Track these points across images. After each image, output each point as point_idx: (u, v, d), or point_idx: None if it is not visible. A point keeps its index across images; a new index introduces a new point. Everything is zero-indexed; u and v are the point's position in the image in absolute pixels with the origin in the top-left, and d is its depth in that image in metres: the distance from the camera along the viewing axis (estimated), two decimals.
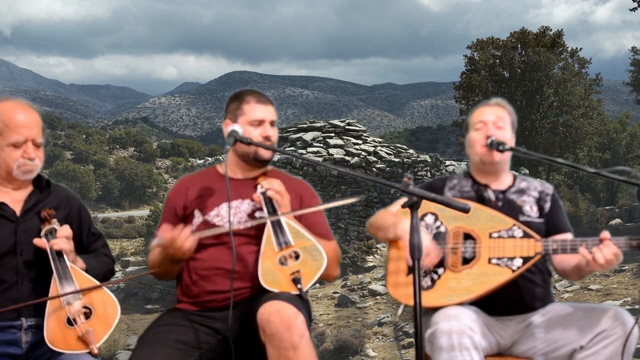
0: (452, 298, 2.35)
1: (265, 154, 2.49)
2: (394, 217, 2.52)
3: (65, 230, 2.36)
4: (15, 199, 2.41)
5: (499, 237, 2.42)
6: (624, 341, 2.24)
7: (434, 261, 2.41)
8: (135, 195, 60.31)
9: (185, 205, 2.53)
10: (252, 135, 2.47)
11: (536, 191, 2.61)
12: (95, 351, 2.18)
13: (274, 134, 2.53)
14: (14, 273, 2.33)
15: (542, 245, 2.38)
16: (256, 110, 2.51)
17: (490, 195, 2.58)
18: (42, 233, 2.34)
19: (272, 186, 2.43)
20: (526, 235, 2.41)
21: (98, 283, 2.34)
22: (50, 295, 2.26)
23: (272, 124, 2.53)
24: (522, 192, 2.61)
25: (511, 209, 2.53)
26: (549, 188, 2.64)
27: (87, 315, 2.24)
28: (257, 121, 2.50)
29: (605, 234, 2.30)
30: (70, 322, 2.22)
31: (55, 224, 2.37)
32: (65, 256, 2.31)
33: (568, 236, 2.52)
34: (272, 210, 2.38)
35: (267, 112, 2.52)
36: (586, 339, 2.30)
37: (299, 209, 2.54)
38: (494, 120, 2.56)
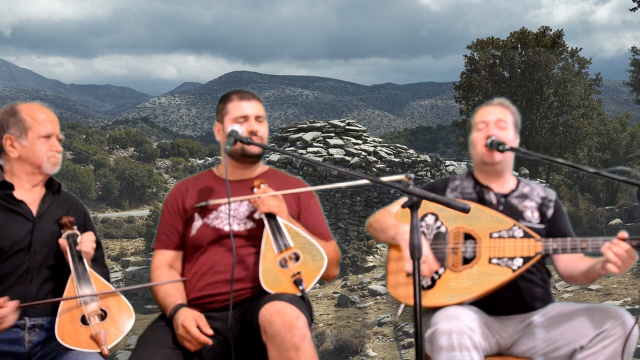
0: (452, 298, 2.35)
1: (252, 149, 2.49)
2: (394, 220, 2.51)
3: (90, 236, 2.45)
4: (32, 199, 2.48)
5: (499, 237, 2.42)
6: (624, 341, 2.24)
7: (431, 269, 2.40)
8: (135, 195, 60.30)
9: (185, 209, 2.53)
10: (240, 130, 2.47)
11: (538, 197, 2.61)
12: (106, 352, 2.21)
13: (259, 128, 2.52)
14: (24, 271, 2.38)
15: (543, 245, 2.38)
16: (239, 107, 2.52)
17: (492, 198, 2.58)
18: (64, 236, 2.41)
19: (265, 202, 2.39)
20: (526, 236, 2.41)
21: (113, 288, 2.40)
22: (66, 294, 2.31)
23: (257, 118, 2.52)
24: (524, 197, 2.60)
25: (512, 214, 2.52)
26: (552, 194, 2.63)
27: (102, 317, 2.29)
28: (241, 117, 2.50)
29: (623, 233, 2.27)
30: (84, 320, 2.26)
31: (75, 230, 2.45)
32: (84, 260, 2.38)
33: None
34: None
35: (250, 107, 2.52)
36: (586, 339, 2.29)
37: (299, 210, 2.54)
38: (496, 121, 2.56)
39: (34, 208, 2.47)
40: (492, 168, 2.57)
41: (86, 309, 2.28)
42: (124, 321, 2.30)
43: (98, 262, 2.59)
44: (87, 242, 2.42)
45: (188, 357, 2.24)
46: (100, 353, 2.22)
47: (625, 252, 2.23)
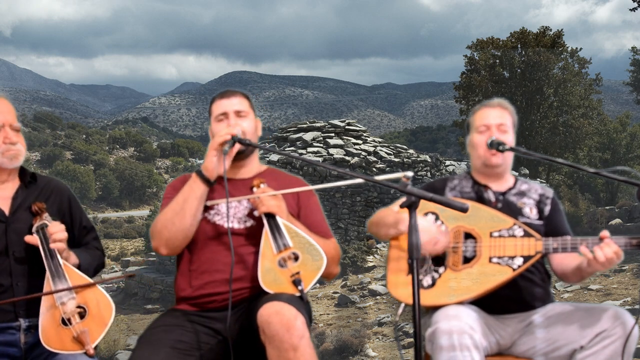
0: (452, 297, 2.36)
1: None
2: (395, 214, 2.52)
3: (58, 227, 2.31)
4: (3, 197, 2.36)
5: (500, 236, 2.42)
6: (624, 341, 2.24)
7: (443, 246, 2.41)
8: (135, 195, 60.23)
9: None
10: (218, 130, 2.46)
11: (536, 194, 2.62)
12: (91, 352, 2.15)
13: (240, 123, 2.47)
14: (7, 275, 2.30)
15: (543, 244, 2.38)
16: (219, 105, 2.53)
17: (490, 196, 2.59)
18: (34, 229, 2.30)
19: (264, 202, 2.38)
20: (527, 235, 2.41)
21: (91, 280, 2.31)
22: (44, 291, 2.23)
23: (238, 113, 2.50)
24: (522, 194, 2.61)
25: (510, 211, 2.53)
26: (550, 192, 2.65)
27: (82, 315, 2.22)
28: (220, 115, 2.51)
29: (605, 232, 2.30)
30: (64, 322, 2.19)
31: (46, 218, 2.33)
32: (57, 253, 2.28)
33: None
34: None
35: (229, 104, 2.51)
36: (586, 339, 2.29)
37: (299, 209, 2.54)
38: (498, 125, 2.56)
39: (5, 207, 2.34)
40: (493, 170, 2.58)
41: (64, 309, 2.20)
42: (104, 314, 2.23)
43: (90, 245, 2.50)
44: (56, 235, 2.28)
45: (188, 356, 2.23)
46: (86, 353, 2.16)
47: (614, 253, 2.26)
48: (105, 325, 2.22)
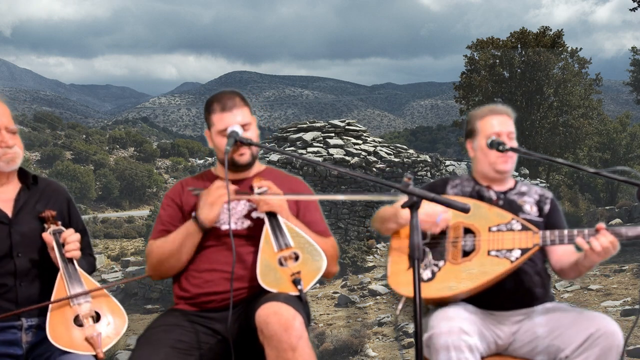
0: (452, 290, 2.38)
1: (240, 159, 2.46)
2: (395, 208, 2.53)
3: (73, 233, 2.35)
4: (5, 199, 2.37)
5: (498, 230, 2.45)
6: (610, 349, 2.25)
7: (445, 220, 2.44)
8: (135, 195, 60.24)
9: (183, 208, 2.52)
10: (223, 144, 2.41)
11: (536, 194, 2.66)
12: (102, 355, 2.15)
13: (246, 135, 2.45)
14: (11, 276, 2.30)
15: (540, 237, 2.40)
16: (221, 119, 2.44)
17: (492, 195, 2.62)
18: (50, 231, 2.32)
19: (266, 200, 2.39)
20: (524, 229, 2.44)
21: (99, 285, 2.33)
22: (55, 292, 2.25)
23: (243, 127, 2.44)
24: (522, 194, 2.66)
25: (511, 208, 2.56)
26: (549, 193, 2.69)
27: (95, 319, 2.22)
28: (224, 131, 2.43)
29: (601, 224, 2.33)
30: (77, 322, 2.20)
31: (60, 226, 2.36)
32: (74, 259, 2.31)
33: None
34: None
35: (232, 118, 2.43)
36: (572, 346, 2.29)
37: (298, 208, 2.54)
38: (508, 133, 2.59)
39: (8, 209, 2.34)
40: (502, 176, 2.61)
41: (80, 309, 2.21)
42: (118, 324, 2.24)
43: (85, 252, 2.51)
44: (72, 244, 2.31)
45: (188, 356, 2.24)
46: (95, 356, 2.15)
47: (610, 242, 2.30)
48: (117, 334, 2.23)
